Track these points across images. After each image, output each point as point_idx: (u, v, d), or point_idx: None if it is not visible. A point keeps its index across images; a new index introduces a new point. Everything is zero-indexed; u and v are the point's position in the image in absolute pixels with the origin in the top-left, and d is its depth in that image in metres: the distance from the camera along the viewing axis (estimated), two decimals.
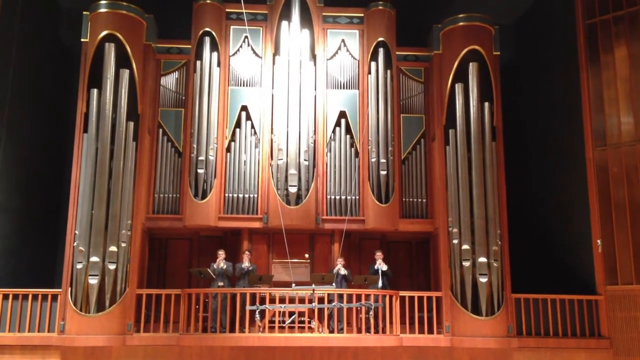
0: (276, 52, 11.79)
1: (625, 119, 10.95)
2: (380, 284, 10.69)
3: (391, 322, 10.34)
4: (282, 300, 10.10)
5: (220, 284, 10.62)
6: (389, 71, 11.84)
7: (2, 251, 10.97)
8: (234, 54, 11.95)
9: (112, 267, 10.24)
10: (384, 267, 10.85)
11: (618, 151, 10.95)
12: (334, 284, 10.42)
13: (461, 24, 11.54)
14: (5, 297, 10.32)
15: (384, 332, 10.26)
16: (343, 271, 10.78)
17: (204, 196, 11.11)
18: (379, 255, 11.04)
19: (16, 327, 10.25)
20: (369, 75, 11.81)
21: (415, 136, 12.01)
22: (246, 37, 11.95)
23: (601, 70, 11.26)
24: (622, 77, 11.05)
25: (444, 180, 11.22)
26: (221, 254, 10.86)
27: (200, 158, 11.19)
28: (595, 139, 11.16)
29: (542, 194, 12.78)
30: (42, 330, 10.30)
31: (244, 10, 10.72)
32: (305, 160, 11.31)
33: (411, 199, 11.76)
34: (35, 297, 10.38)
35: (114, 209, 10.44)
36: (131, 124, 10.89)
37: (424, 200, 11.75)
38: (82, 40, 11.24)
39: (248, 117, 11.71)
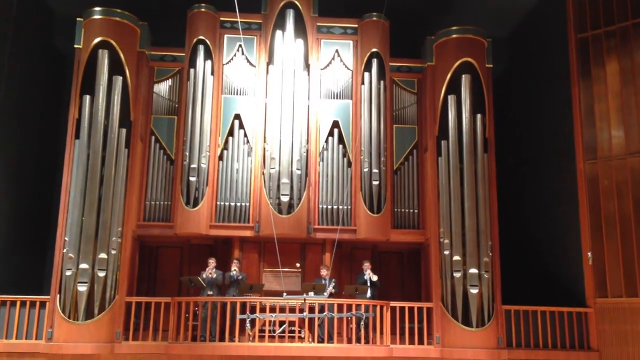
0: (270, 61, 11.81)
1: (615, 132, 11.02)
2: (368, 294, 10.67)
3: (381, 333, 10.32)
4: (272, 310, 10.05)
5: (210, 292, 10.56)
6: (382, 82, 11.87)
7: None
8: (227, 63, 11.96)
9: (101, 274, 10.18)
10: (374, 278, 10.83)
11: (609, 164, 11.00)
12: (325, 294, 10.40)
13: (454, 36, 11.62)
14: None
15: (374, 342, 10.24)
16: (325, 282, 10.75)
17: (195, 204, 11.07)
18: (366, 265, 11.00)
19: (3, 334, 10.16)
20: (362, 86, 11.85)
21: (408, 147, 12.05)
22: (240, 45, 11.97)
23: (592, 84, 11.34)
24: (613, 92, 11.13)
25: (436, 191, 11.24)
26: (211, 262, 10.82)
27: (192, 166, 11.16)
28: (586, 152, 11.22)
29: (533, 206, 12.82)
30: (29, 337, 10.20)
31: (238, 19, 10.74)
32: (297, 169, 11.30)
33: (403, 210, 11.77)
34: (23, 303, 10.29)
35: (105, 216, 10.39)
36: (123, 130, 10.87)
37: (416, 210, 11.77)
38: (75, 46, 11.22)
39: (241, 126, 11.71)
